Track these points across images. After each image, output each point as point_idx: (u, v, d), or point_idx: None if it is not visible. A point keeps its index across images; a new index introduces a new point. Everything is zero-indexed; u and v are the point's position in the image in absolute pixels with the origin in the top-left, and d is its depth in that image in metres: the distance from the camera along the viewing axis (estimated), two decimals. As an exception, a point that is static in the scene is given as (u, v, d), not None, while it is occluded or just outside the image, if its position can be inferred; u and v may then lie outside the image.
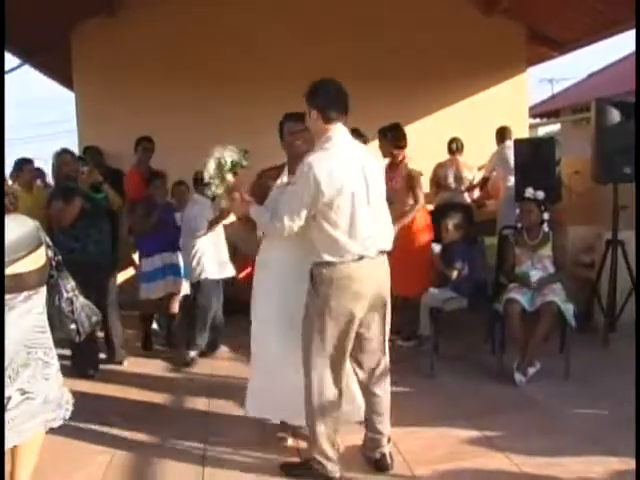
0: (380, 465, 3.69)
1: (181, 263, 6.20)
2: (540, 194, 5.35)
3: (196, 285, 5.96)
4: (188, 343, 5.88)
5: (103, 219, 5.67)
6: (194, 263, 5.89)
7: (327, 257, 3.44)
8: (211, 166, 3.74)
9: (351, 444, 3.87)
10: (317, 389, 3.53)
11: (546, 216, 5.34)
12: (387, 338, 3.74)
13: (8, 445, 3.10)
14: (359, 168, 3.46)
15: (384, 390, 3.74)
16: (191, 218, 5.94)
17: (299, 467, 3.69)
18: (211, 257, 5.92)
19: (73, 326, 3.37)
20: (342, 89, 3.54)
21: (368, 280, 3.50)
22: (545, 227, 5.35)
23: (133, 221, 6.32)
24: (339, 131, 3.50)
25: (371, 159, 3.63)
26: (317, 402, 3.54)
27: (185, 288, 6.29)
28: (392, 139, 6.12)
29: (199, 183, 5.78)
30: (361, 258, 3.46)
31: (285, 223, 3.44)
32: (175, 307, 6.37)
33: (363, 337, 3.63)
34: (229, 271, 6.04)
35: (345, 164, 3.42)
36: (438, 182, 8.02)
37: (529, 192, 5.38)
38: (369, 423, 3.76)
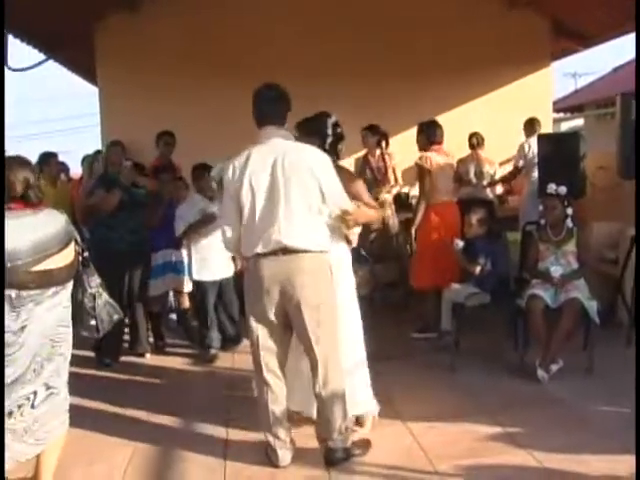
0: (324, 458, 3.70)
1: (185, 260, 6.16)
2: (563, 189, 5.29)
3: (194, 284, 6.02)
4: (201, 342, 5.92)
5: (140, 212, 5.74)
6: (192, 262, 5.92)
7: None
8: None
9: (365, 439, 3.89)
10: None
11: (569, 211, 5.29)
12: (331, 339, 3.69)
13: (39, 448, 3.13)
14: (270, 166, 3.55)
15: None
16: (177, 217, 5.95)
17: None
18: (205, 258, 5.86)
19: (93, 322, 3.38)
20: (271, 96, 3.75)
21: (270, 278, 3.57)
22: (569, 223, 5.30)
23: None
24: (262, 134, 3.71)
25: (299, 158, 3.59)
26: None
27: (188, 285, 6.25)
28: (426, 134, 6.16)
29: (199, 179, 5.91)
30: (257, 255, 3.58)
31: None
32: (185, 302, 6.41)
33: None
34: (224, 272, 5.93)
35: (251, 162, 3.58)
36: (460, 177, 7.98)
37: (551, 188, 5.33)
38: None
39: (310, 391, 3.75)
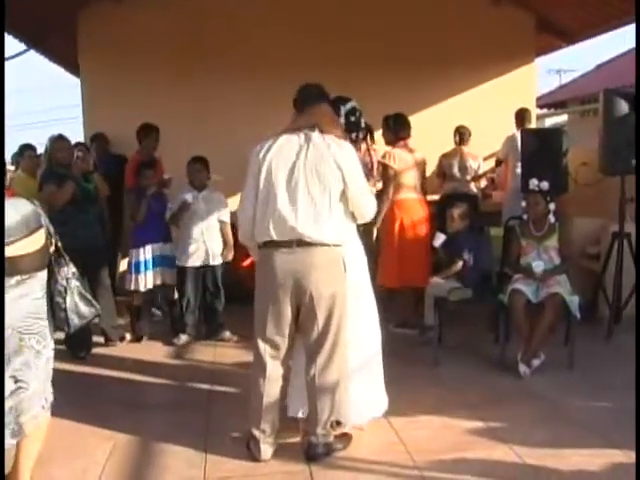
0: (305, 453, 3.70)
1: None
2: (545, 185, 5.31)
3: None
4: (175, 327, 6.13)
5: (92, 206, 5.73)
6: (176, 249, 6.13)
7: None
8: None
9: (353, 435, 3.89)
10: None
11: (552, 207, 5.31)
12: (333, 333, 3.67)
13: (13, 440, 3.07)
14: (295, 153, 3.56)
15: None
16: (168, 208, 6.15)
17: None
18: (187, 245, 6.03)
19: (62, 315, 3.29)
20: (299, 93, 3.81)
21: (284, 271, 3.57)
22: (551, 218, 5.31)
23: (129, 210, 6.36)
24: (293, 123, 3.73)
25: (324, 149, 3.57)
26: None
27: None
28: (394, 128, 6.13)
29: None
30: (270, 243, 3.58)
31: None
32: (174, 295, 6.37)
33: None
34: (205, 260, 6.04)
35: (276, 147, 3.59)
36: (444, 172, 7.99)
37: (534, 183, 5.35)
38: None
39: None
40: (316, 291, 3.57)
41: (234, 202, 4.66)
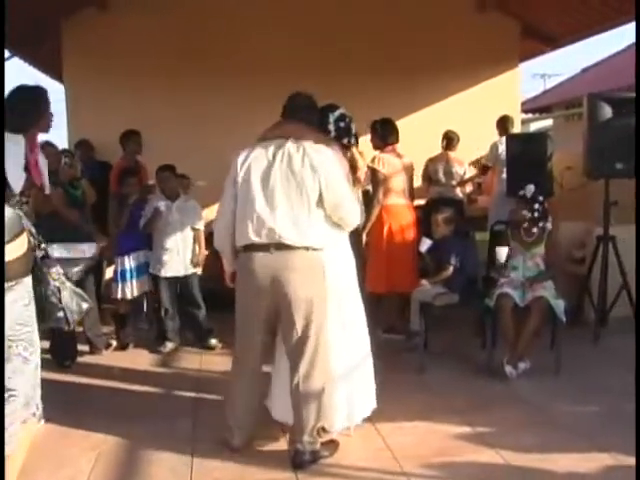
0: (292, 461, 3.68)
1: None
2: (535, 191, 5.26)
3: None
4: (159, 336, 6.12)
5: (78, 212, 5.65)
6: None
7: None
8: None
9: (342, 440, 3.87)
10: None
11: (537, 214, 5.24)
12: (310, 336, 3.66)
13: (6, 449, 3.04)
14: (272, 157, 3.59)
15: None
16: (143, 215, 6.10)
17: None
18: (161, 254, 6.00)
19: (61, 314, 3.26)
20: (288, 102, 3.85)
21: (262, 274, 3.60)
22: (541, 226, 5.26)
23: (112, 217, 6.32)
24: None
25: (303, 154, 3.58)
26: None
27: None
28: (382, 133, 6.14)
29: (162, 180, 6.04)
30: (250, 246, 3.61)
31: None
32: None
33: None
34: (179, 270, 6.02)
35: (256, 151, 3.65)
36: (429, 177, 8.00)
37: (529, 190, 5.28)
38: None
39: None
40: (294, 294, 3.58)
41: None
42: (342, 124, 4.03)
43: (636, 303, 5.74)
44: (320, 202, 3.60)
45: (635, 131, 5.43)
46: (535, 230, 5.26)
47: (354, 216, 3.80)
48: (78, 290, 3.40)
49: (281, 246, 3.55)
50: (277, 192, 3.55)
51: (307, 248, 3.57)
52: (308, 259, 3.60)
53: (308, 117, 3.79)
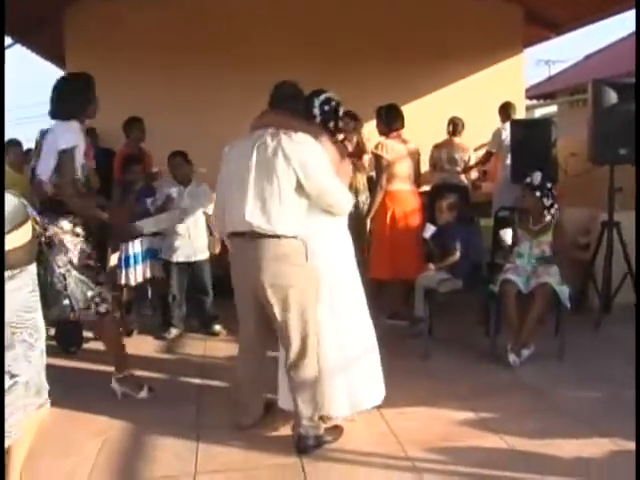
0: (296, 446, 3.71)
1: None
2: (542, 179, 5.24)
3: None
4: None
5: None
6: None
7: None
8: None
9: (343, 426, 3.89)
10: None
11: (546, 202, 5.23)
12: (296, 325, 3.67)
13: (10, 439, 3.05)
14: (250, 149, 3.63)
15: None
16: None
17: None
18: (173, 240, 6.01)
19: (67, 302, 3.29)
20: (273, 91, 3.88)
21: (243, 261, 3.72)
22: (550, 214, 5.24)
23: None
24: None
25: (277, 145, 3.58)
26: None
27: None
28: (386, 119, 6.11)
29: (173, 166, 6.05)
30: (232, 234, 3.75)
31: None
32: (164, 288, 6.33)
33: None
34: (188, 255, 6.03)
35: (238, 143, 3.77)
36: (434, 163, 8.00)
37: (535, 178, 5.25)
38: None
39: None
40: (267, 282, 3.61)
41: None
42: (327, 107, 3.94)
43: (636, 291, 5.73)
44: (299, 191, 3.60)
45: (635, 119, 5.41)
46: (547, 218, 5.24)
47: (342, 203, 3.78)
48: (84, 278, 3.41)
49: (254, 234, 3.60)
50: (250, 182, 3.59)
51: (279, 236, 3.59)
52: (281, 247, 3.60)
53: (294, 105, 3.80)
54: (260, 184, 3.57)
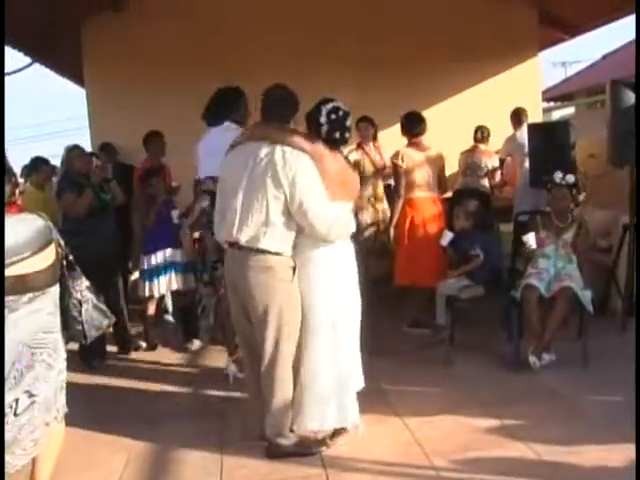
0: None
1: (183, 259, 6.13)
2: (570, 178, 5.23)
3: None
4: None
5: (109, 217, 5.83)
6: None
7: None
8: None
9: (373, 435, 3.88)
10: None
11: (579, 199, 5.25)
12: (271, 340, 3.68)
13: (26, 458, 3.06)
14: (242, 162, 3.67)
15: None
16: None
17: None
18: None
19: (79, 327, 3.31)
20: (263, 96, 3.90)
21: (231, 271, 3.82)
22: (575, 212, 5.23)
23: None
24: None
25: (269, 160, 3.58)
26: None
27: (190, 283, 6.16)
28: (407, 126, 6.16)
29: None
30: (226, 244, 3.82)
31: None
32: (188, 300, 6.34)
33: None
34: None
35: (232, 155, 3.81)
36: (463, 170, 8.06)
37: (558, 177, 5.24)
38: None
39: (321, 404, 3.76)
40: (249, 295, 3.69)
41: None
42: (333, 116, 3.87)
43: (637, 298, 5.64)
44: (286, 210, 3.62)
45: (635, 119, 5.35)
46: (575, 212, 5.24)
47: (320, 226, 3.66)
48: (100, 305, 3.41)
49: (241, 247, 3.67)
50: (240, 194, 3.64)
51: (262, 251, 3.63)
52: (264, 262, 3.64)
53: (283, 112, 3.82)
54: (249, 199, 3.62)
